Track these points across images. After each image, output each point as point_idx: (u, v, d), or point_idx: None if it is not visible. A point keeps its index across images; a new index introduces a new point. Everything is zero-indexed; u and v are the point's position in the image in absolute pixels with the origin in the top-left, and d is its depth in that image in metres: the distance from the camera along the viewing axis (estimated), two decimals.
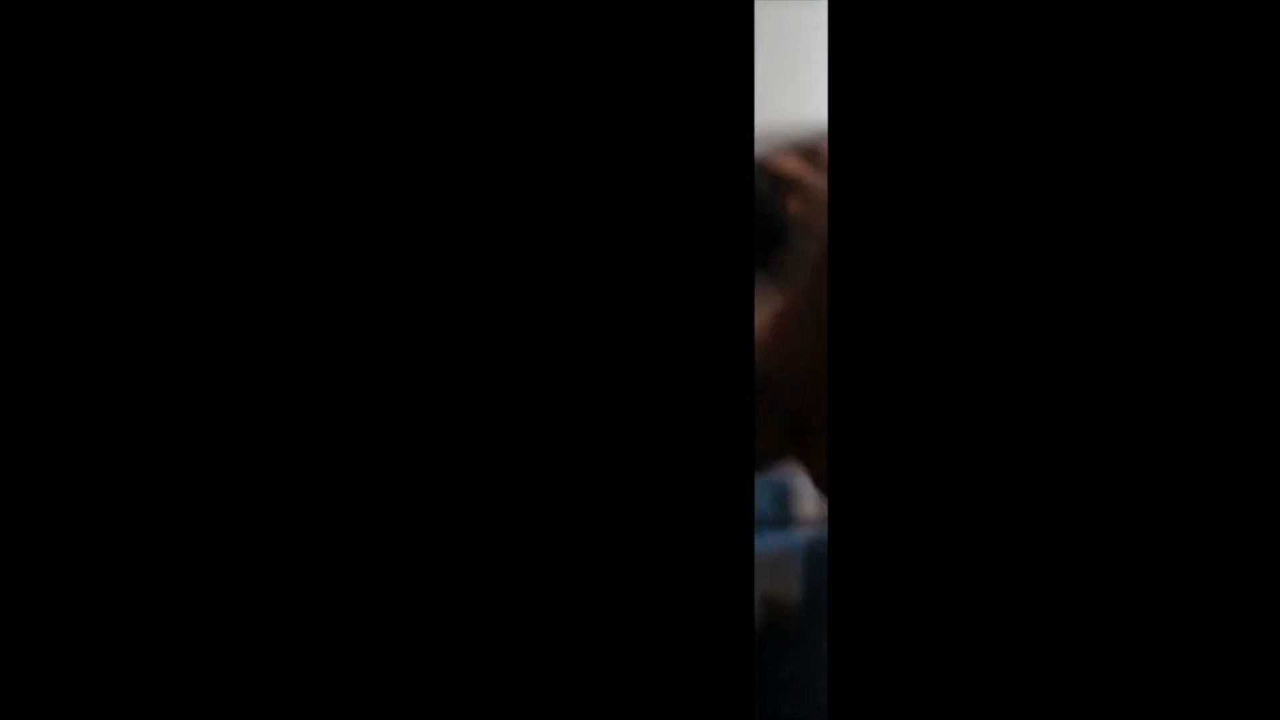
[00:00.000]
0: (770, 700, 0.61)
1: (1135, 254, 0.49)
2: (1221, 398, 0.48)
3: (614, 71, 0.53)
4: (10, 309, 0.52)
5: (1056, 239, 0.49)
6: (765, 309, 0.59)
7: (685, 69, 0.53)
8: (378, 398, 0.53)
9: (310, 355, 0.53)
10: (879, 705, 0.50)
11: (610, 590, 0.52)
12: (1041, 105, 0.49)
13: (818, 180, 0.65)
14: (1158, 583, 0.48)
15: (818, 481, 0.58)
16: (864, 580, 0.50)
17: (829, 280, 0.51)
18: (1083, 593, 0.49)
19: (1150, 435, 0.49)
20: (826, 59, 0.53)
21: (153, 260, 0.52)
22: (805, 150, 0.66)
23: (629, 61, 0.53)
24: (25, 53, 0.52)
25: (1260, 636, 0.48)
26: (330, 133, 0.53)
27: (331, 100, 0.53)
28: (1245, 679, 0.48)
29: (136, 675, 0.52)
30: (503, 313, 0.53)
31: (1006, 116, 0.49)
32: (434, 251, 0.53)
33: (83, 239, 0.53)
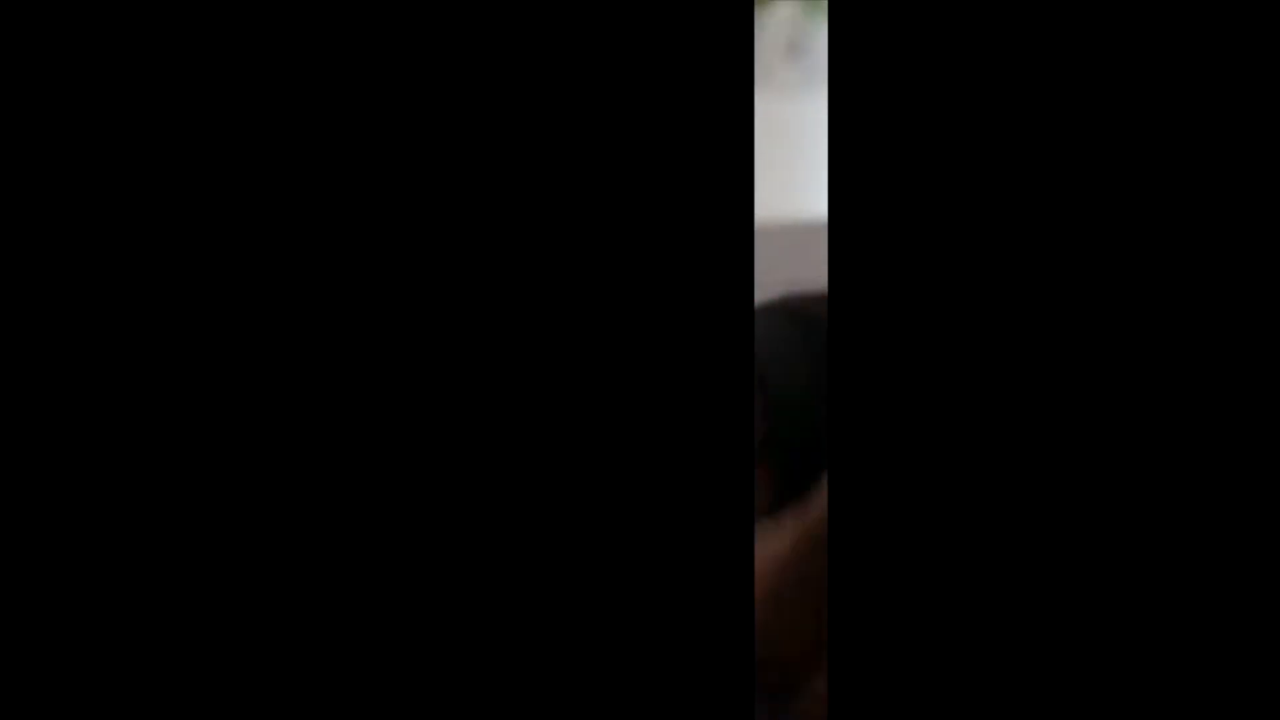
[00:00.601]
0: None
1: (1136, 294, 0.48)
2: (1222, 398, 0.48)
3: (616, 161, 0.52)
4: (10, 309, 0.52)
5: (1052, 296, 0.48)
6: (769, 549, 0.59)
7: (686, 163, 0.52)
8: (371, 399, 0.52)
9: (308, 355, 0.52)
10: (879, 708, 0.50)
11: (609, 594, 0.52)
12: (1040, 187, 0.49)
13: None
14: (1161, 592, 0.48)
15: None
16: (864, 584, 0.50)
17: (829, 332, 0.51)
18: (1083, 599, 0.48)
19: (1152, 443, 0.48)
20: (826, 153, 0.52)
21: (152, 260, 0.52)
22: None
23: (631, 151, 0.52)
24: (25, 53, 0.52)
25: (1260, 637, 0.47)
26: (325, 134, 0.52)
27: (325, 102, 0.53)
28: (1245, 679, 0.47)
29: (136, 675, 0.52)
30: (503, 367, 0.52)
31: (1005, 195, 0.49)
32: (422, 306, 0.53)
33: (82, 239, 0.52)
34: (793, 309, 0.78)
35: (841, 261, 0.50)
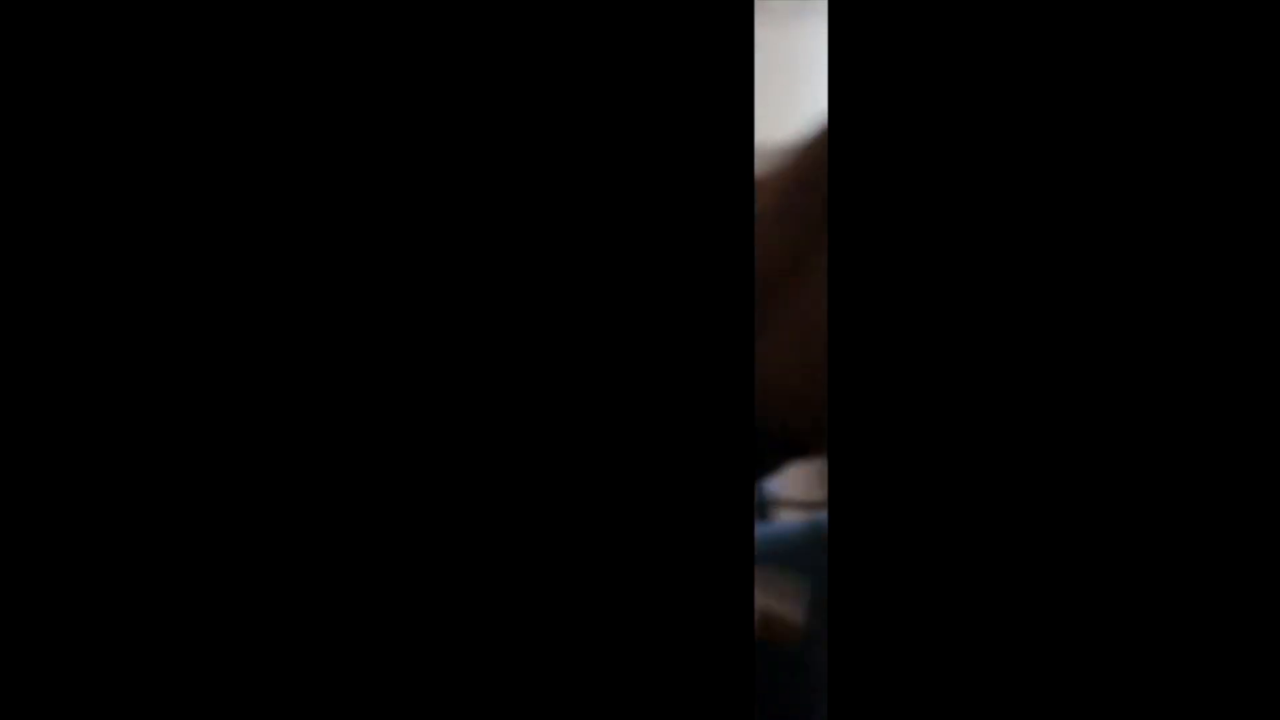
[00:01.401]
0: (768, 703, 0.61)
1: (1134, 263, 0.48)
2: (1222, 398, 0.48)
3: (613, 89, 0.52)
4: (10, 309, 0.52)
5: (1056, 247, 0.48)
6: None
7: (685, 87, 0.52)
8: (371, 399, 0.53)
9: (309, 356, 0.53)
10: (880, 710, 0.50)
11: (608, 596, 0.52)
12: (1044, 121, 0.49)
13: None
14: (1161, 589, 0.48)
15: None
16: (865, 587, 0.50)
17: (829, 289, 0.51)
18: (1084, 597, 0.49)
19: (1152, 439, 0.48)
20: (826, 77, 0.52)
21: (152, 260, 0.52)
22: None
23: (628, 80, 0.53)
24: (25, 53, 0.52)
25: (1260, 637, 0.48)
26: (325, 134, 0.53)
27: (327, 101, 0.53)
28: (1245, 679, 0.48)
29: (136, 675, 0.52)
30: (502, 324, 0.53)
31: (1006, 129, 0.49)
32: (429, 258, 0.53)
33: (82, 239, 0.52)
34: None
35: (841, 184, 0.50)
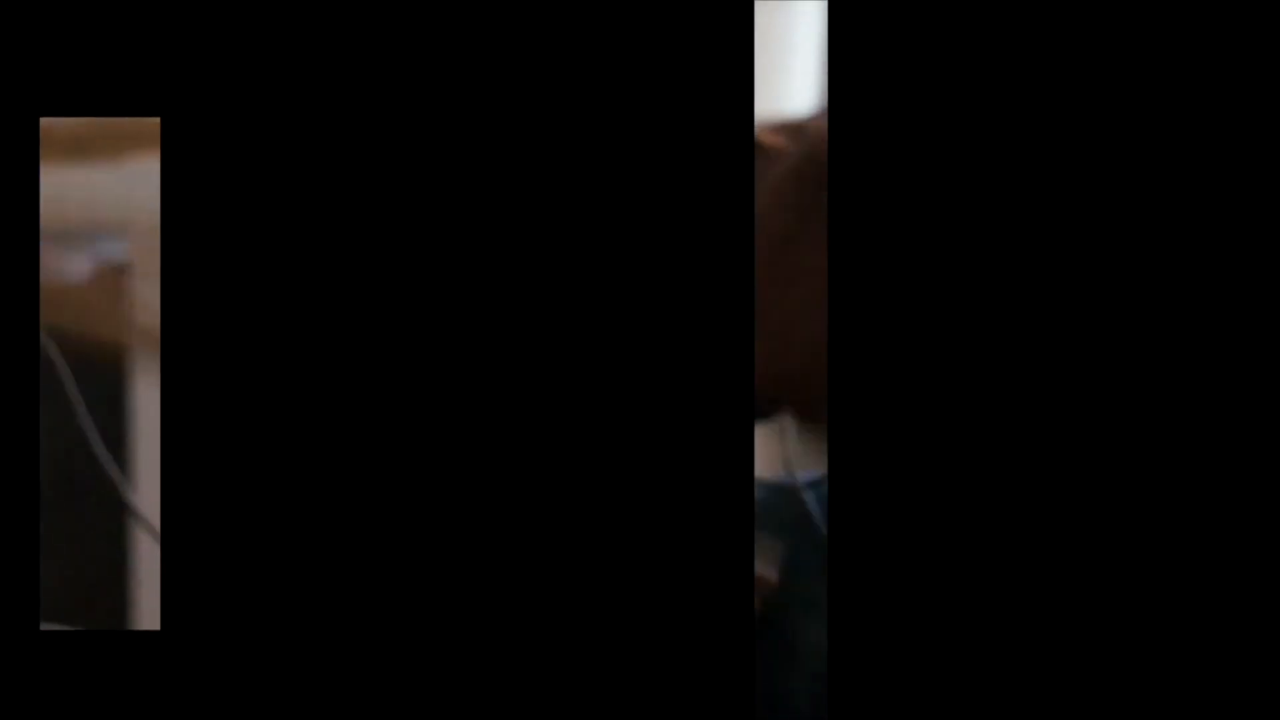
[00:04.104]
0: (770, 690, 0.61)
1: (1134, 256, 0.48)
2: (1221, 397, 0.48)
3: (614, 69, 0.52)
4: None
5: (1055, 240, 0.48)
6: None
7: (685, 66, 0.52)
8: (372, 399, 0.52)
9: (306, 355, 0.52)
10: (880, 694, 0.49)
11: (606, 585, 0.52)
12: (1042, 107, 0.48)
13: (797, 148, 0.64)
14: (1159, 584, 0.48)
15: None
16: (864, 574, 0.50)
17: (829, 279, 0.50)
18: (1083, 586, 0.48)
19: (1150, 436, 0.48)
20: (826, 57, 0.52)
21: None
22: (791, 127, 0.65)
23: (629, 60, 0.52)
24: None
25: (1260, 637, 0.47)
26: (325, 131, 0.52)
27: (327, 98, 0.52)
28: (1245, 679, 0.48)
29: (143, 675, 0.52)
30: (499, 309, 0.52)
31: (1005, 114, 0.49)
32: (429, 250, 0.53)
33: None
34: None
35: (840, 167, 0.49)
